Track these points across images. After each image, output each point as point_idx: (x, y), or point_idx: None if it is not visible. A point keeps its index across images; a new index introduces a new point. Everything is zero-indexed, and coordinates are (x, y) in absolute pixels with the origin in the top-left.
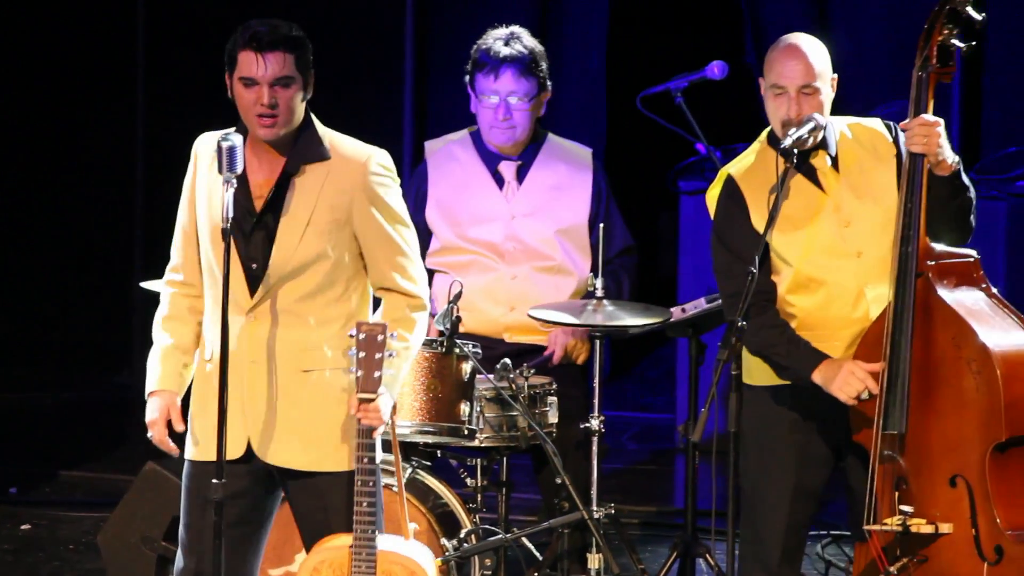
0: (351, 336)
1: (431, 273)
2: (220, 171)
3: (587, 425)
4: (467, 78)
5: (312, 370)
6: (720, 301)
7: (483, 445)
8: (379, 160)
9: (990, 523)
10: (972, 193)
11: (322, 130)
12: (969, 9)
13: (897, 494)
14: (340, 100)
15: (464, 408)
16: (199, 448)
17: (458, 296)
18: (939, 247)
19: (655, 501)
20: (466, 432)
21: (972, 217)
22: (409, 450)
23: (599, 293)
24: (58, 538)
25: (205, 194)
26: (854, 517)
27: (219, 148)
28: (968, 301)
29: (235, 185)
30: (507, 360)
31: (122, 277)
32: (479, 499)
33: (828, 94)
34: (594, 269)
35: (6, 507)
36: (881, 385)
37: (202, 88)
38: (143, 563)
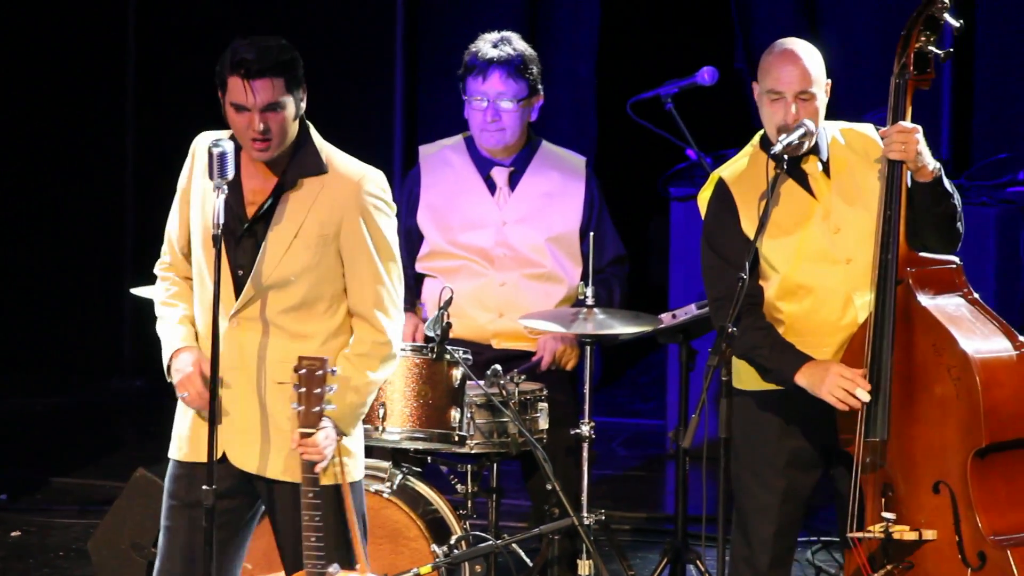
0: (294, 371)
1: (421, 278)
2: (211, 177)
3: (577, 431)
4: (459, 83)
5: (286, 383)
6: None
7: (473, 451)
8: (375, 181)
9: (973, 529)
10: (957, 199)
11: (320, 143)
12: (947, 16)
13: (884, 501)
14: (331, 105)
15: (454, 414)
16: (181, 449)
17: (448, 302)
18: (920, 254)
19: (645, 507)
20: (456, 438)
21: (959, 224)
22: (399, 456)
23: (590, 301)
24: (48, 545)
25: (199, 198)
26: (843, 524)
27: (210, 154)
28: (949, 308)
29: (226, 191)
30: (497, 366)
31: (113, 283)
32: (469, 505)
33: (823, 100)
34: (584, 277)
35: None
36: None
37: (194, 93)
38: (133, 569)
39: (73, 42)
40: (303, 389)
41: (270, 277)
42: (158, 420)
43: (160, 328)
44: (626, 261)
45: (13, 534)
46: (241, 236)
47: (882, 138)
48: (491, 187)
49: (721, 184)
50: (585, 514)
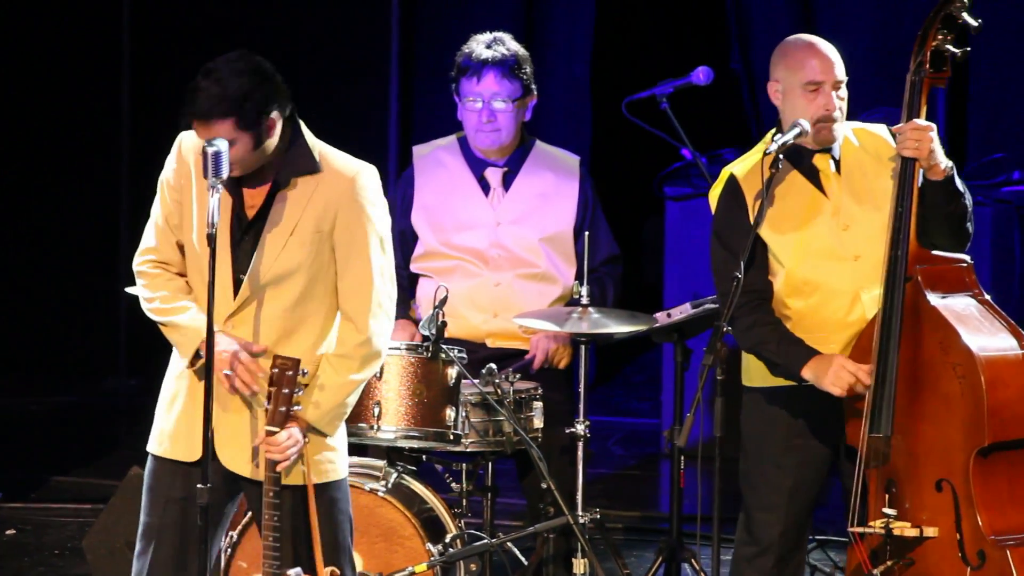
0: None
1: (415, 278)
2: (205, 176)
3: (572, 430)
4: (452, 85)
5: None
6: (706, 306)
7: (469, 450)
8: (370, 177)
9: (973, 528)
10: (968, 200)
11: (312, 141)
12: (965, 15)
13: (886, 497)
14: (326, 106)
15: (450, 413)
16: (162, 445)
17: (443, 301)
18: (930, 252)
19: (640, 506)
20: (452, 437)
21: (969, 224)
22: (394, 455)
23: (584, 300)
24: (43, 543)
25: (197, 199)
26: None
27: (204, 153)
28: (958, 306)
29: (220, 191)
30: (492, 365)
31: (108, 283)
32: (464, 504)
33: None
34: (579, 277)
35: None
36: (869, 388)
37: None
38: (128, 567)
39: (67, 43)
40: (273, 388)
41: (267, 276)
42: (153, 420)
43: (178, 317)
44: (620, 260)
45: (8, 532)
46: (241, 238)
47: (895, 135)
48: (485, 188)
49: (732, 180)
50: (580, 513)
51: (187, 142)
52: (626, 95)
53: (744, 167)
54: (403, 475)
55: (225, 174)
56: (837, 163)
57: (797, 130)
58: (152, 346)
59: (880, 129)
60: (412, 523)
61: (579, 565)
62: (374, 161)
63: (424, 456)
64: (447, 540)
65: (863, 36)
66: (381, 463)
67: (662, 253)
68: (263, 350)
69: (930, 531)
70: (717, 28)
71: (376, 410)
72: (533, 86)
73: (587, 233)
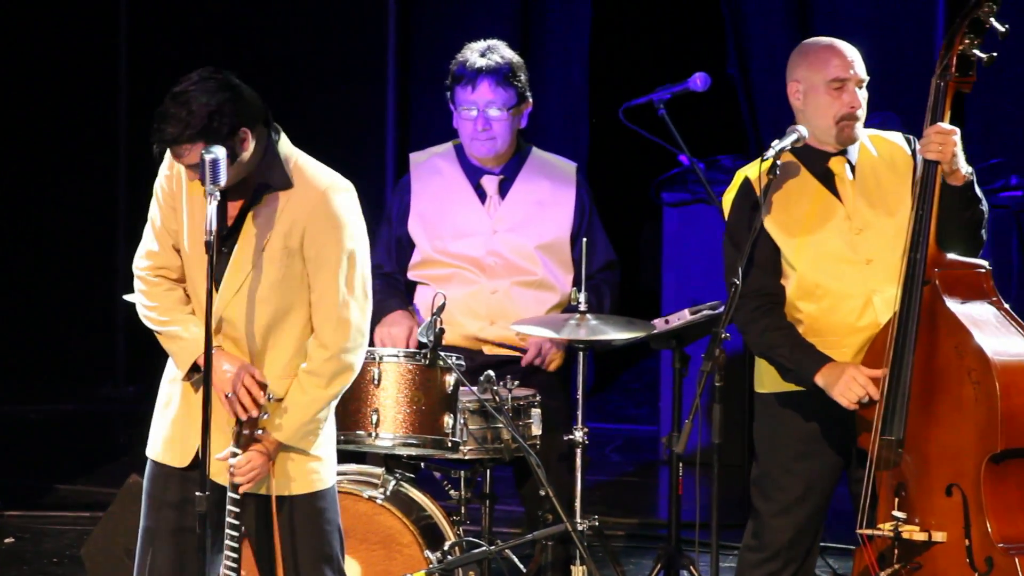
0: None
1: (413, 285)
2: (203, 183)
3: (571, 437)
4: (447, 93)
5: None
6: (704, 312)
7: (467, 457)
8: (337, 189)
9: (982, 534)
10: (984, 206)
11: (287, 153)
12: (992, 20)
13: (896, 500)
14: (323, 113)
15: (448, 420)
16: (156, 450)
17: (441, 308)
18: (949, 256)
19: (639, 513)
20: (450, 444)
21: (983, 231)
22: (392, 462)
23: (582, 307)
24: (42, 551)
25: (187, 206)
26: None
27: (202, 160)
28: (975, 311)
29: (218, 198)
30: (491, 372)
31: (106, 290)
32: (463, 511)
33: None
34: (576, 283)
35: None
36: (882, 390)
37: None
38: (126, 575)
39: (64, 46)
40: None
41: (239, 292)
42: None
43: (176, 328)
44: (617, 267)
45: (7, 541)
46: (219, 249)
47: (914, 140)
48: (481, 195)
49: (747, 183)
50: (578, 520)
51: None
52: (623, 101)
53: (758, 170)
54: (401, 482)
55: (223, 181)
56: (852, 168)
57: (795, 136)
58: (150, 353)
59: (896, 136)
60: (410, 530)
61: (578, 572)
62: (372, 168)
63: (422, 463)
64: (445, 547)
65: (860, 41)
66: (379, 470)
67: (659, 259)
68: (264, 381)
69: (939, 536)
70: (714, 34)
71: (374, 417)
72: (528, 93)
73: (584, 240)
